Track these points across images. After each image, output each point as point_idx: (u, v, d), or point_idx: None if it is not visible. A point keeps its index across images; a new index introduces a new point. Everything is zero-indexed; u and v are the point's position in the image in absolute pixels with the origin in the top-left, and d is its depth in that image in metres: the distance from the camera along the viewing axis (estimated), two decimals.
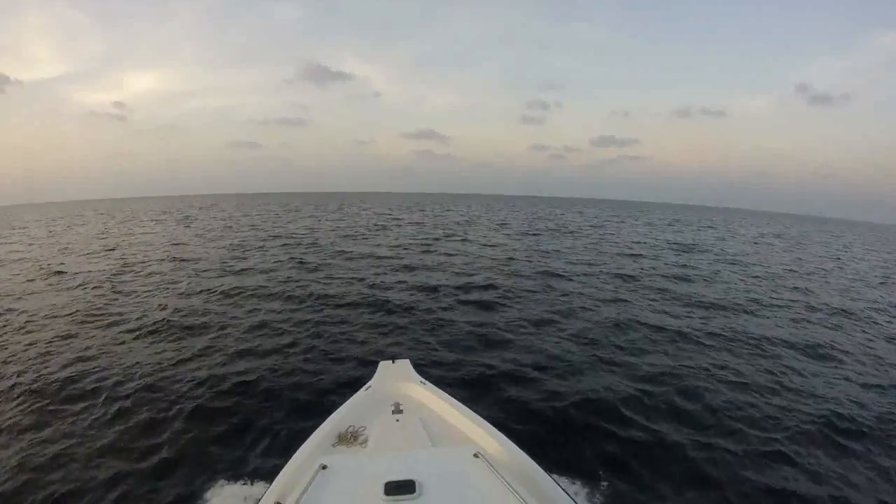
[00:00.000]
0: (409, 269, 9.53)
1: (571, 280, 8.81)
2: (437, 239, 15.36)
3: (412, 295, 7.24)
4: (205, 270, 9.25)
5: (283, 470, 1.90)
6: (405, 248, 12.63)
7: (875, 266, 14.72)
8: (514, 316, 6.24)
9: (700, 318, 6.58)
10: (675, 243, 16.78)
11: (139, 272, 9.20)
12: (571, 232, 19.75)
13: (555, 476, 1.75)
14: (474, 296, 7.24)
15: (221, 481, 2.75)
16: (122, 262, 10.42)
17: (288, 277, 8.35)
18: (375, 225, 20.75)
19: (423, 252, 12.07)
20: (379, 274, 8.89)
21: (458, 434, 2.18)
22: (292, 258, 10.51)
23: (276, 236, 15.61)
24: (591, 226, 24.85)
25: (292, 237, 15.29)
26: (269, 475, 1.93)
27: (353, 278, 8.37)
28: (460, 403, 2.38)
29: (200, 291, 7.40)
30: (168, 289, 7.66)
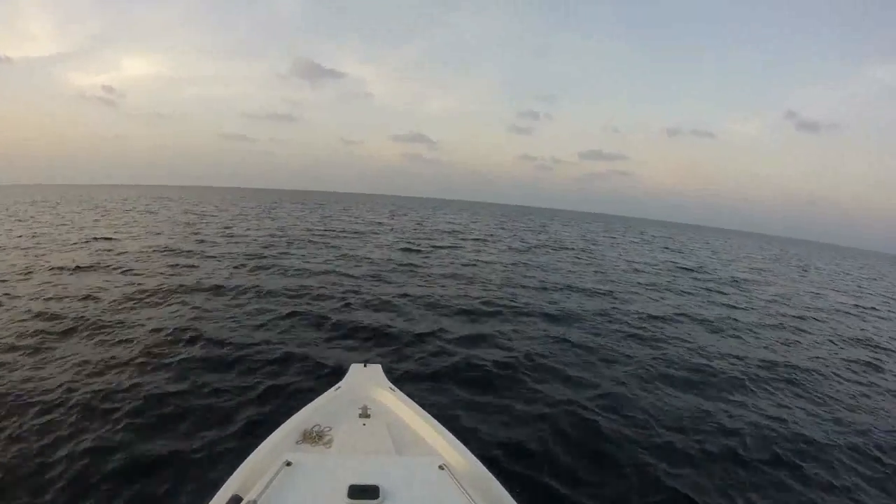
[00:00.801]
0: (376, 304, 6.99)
1: (585, 321, 6.96)
2: (418, 251, 13.61)
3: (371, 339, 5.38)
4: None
5: (245, 462, 1.90)
6: (375, 265, 10.47)
7: None
8: (531, 392, 4.30)
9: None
10: (686, 268, 15.75)
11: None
12: (568, 248, 18.87)
13: (516, 496, 1.80)
14: (460, 353, 5.02)
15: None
16: None
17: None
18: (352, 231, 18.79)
19: (400, 271, 10.05)
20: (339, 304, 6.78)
21: (423, 444, 2.21)
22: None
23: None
24: (586, 241, 24.18)
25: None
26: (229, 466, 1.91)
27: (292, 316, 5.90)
28: (427, 413, 2.41)
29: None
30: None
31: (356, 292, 7.67)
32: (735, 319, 8.39)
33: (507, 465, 3.04)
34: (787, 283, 15.69)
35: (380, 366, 2.90)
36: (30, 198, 38.50)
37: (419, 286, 8.64)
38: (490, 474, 1.91)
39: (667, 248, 26.12)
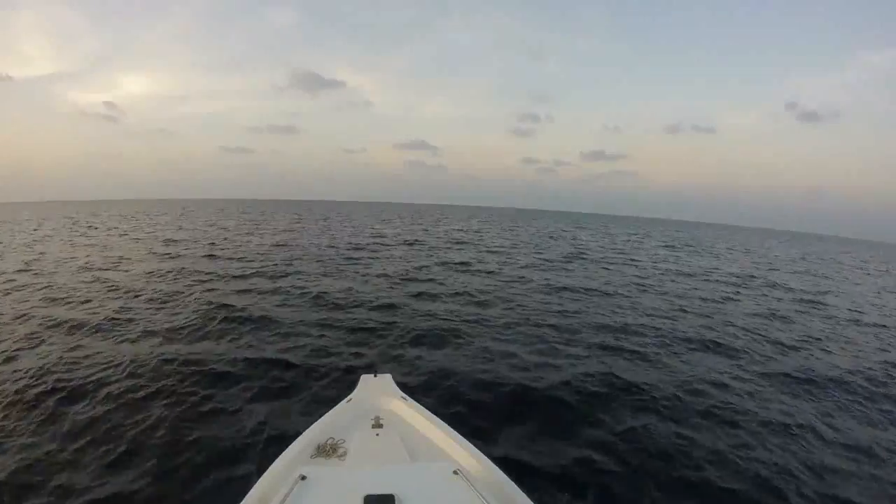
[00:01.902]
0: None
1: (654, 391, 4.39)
2: (424, 268, 11.36)
3: None
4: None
5: (261, 479, 1.90)
6: (377, 292, 8.14)
7: None
8: None
9: None
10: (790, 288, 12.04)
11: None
12: (596, 261, 15.14)
13: (533, 497, 1.79)
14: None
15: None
16: None
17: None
18: (349, 245, 16.08)
19: (408, 295, 8.06)
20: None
21: (437, 450, 2.21)
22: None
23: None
24: (613, 249, 20.41)
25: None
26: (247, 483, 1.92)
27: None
28: (440, 420, 2.41)
29: None
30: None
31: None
32: None
33: None
34: None
35: (390, 375, 2.90)
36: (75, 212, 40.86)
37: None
38: (506, 477, 1.90)
39: (694, 250, 23.10)
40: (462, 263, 12.47)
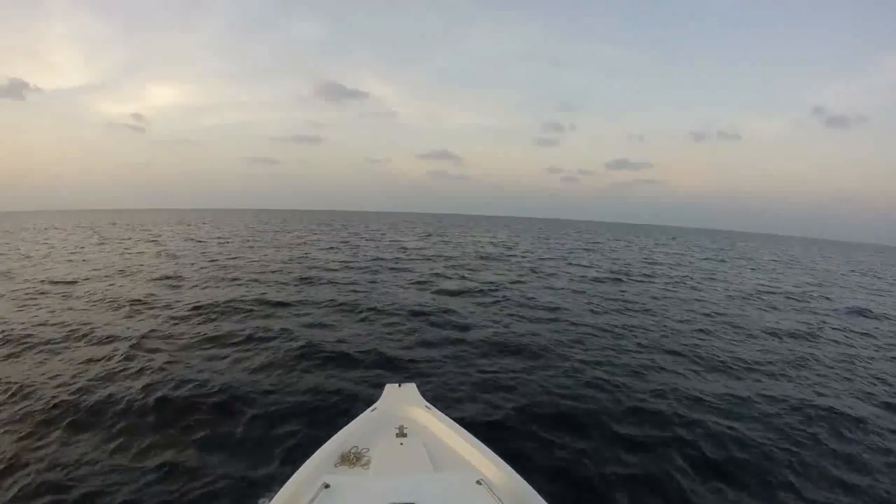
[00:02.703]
0: None
1: None
2: (458, 294, 8.95)
3: None
4: None
5: (285, 486, 1.92)
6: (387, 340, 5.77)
7: None
8: None
9: None
10: None
11: None
12: (679, 281, 12.72)
13: None
14: None
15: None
16: None
17: None
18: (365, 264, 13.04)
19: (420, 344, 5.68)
20: None
21: (460, 460, 2.18)
22: None
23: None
24: (664, 263, 17.79)
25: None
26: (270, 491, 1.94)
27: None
28: (464, 429, 2.39)
29: None
30: None
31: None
32: None
33: None
34: None
35: (414, 385, 2.89)
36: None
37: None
38: (529, 487, 1.86)
39: (753, 265, 20.37)
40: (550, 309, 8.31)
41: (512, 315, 7.44)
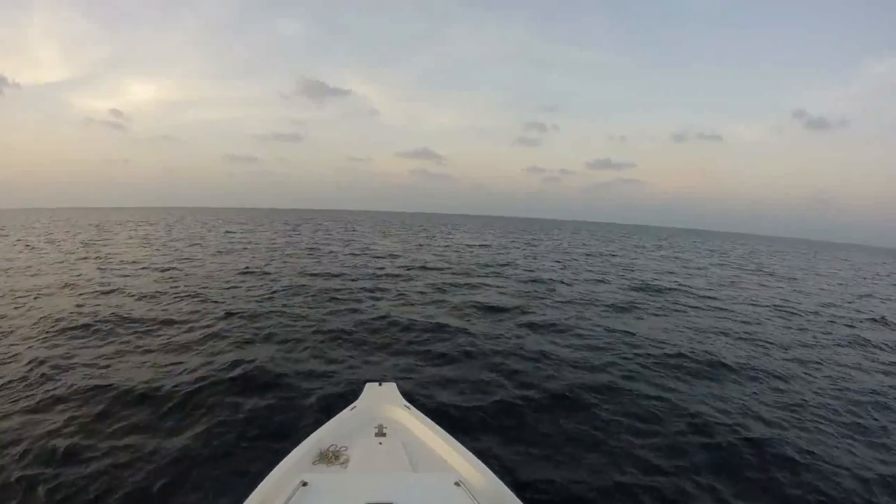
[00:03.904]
0: None
1: None
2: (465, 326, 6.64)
3: None
4: None
5: (262, 484, 1.90)
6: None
7: None
8: None
9: None
10: None
11: None
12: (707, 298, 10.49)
13: None
14: None
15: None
16: None
17: None
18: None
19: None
20: None
21: (439, 461, 2.19)
22: None
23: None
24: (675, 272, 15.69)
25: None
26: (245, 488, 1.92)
27: None
28: (443, 430, 2.40)
29: None
30: None
31: None
32: None
33: None
34: None
35: (394, 384, 2.89)
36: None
37: None
38: (507, 489, 1.88)
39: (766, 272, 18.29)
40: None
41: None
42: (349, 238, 24.98)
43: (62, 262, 12.44)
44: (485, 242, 25.58)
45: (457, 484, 1.69)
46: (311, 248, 17.99)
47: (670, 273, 15.52)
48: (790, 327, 8.17)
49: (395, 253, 17.27)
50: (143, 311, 6.77)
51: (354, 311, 7.28)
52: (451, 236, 30.87)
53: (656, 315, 8.36)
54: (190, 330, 5.95)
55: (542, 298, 9.30)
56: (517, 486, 1.95)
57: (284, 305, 7.51)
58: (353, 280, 10.37)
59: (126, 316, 6.44)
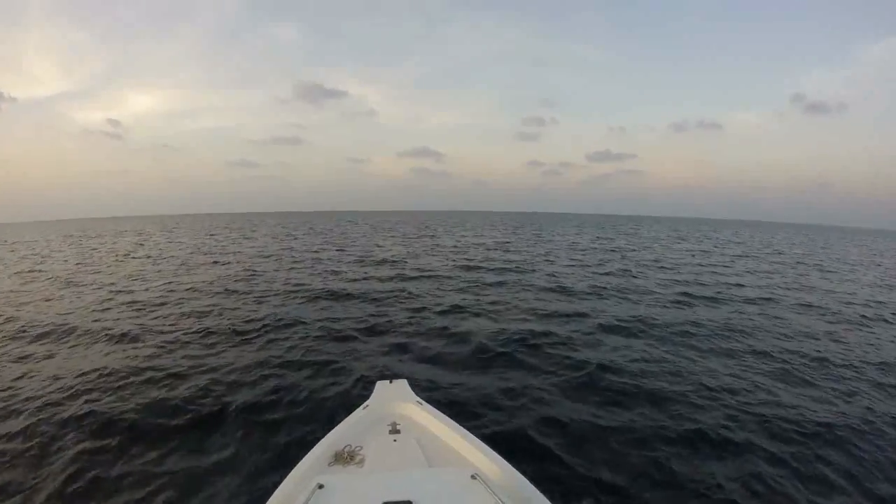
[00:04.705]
0: None
1: None
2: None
3: None
4: None
5: (279, 489, 1.90)
6: None
7: None
8: None
9: None
10: None
11: None
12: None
13: (553, 500, 1.75)
14: None
15: None
16: None
17: None
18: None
19: None
20: None
21: (454, 455, 2.18)
22: None
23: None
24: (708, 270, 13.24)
25: None
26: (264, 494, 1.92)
27: None
28: (457, 424, 2.39)
29: None
30: None
31: None
32: None
33: None
34: None
35: (406, 381, 2.89)
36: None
37: None
38: (525, 480, 1.86)
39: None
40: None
41: None
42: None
43: None
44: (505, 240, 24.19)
45: (473, 477, 1.68)
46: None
47: (739, 276, 12.63)
48: None
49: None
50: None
51: None
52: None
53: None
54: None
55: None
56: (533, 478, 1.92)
57: None
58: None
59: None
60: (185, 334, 6.14)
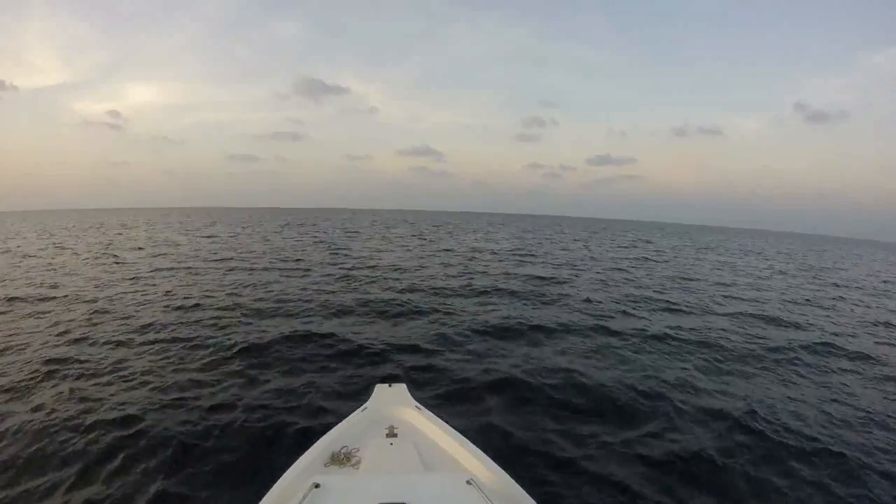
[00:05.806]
0: None
1: None
2: None
3: None
4: None
5: (275, 487, 1.91)
6: None
7: None
8: None
9: None
10: None
11: None
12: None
13: None
14: None
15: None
16: None
17: None
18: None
19: None
20: None
21: (451, 460, 2.18)
22: None
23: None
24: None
25: None
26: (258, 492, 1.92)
27: None
28: (454, 430, 2.39)
29: None
30: None
31: None
32: None
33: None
34: None
35: (404, 385, 2.89)
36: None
37: None
38: (519, 487, 1.86)
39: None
40: None
41: None
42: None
43: None
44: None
45: (469, 483, 1.68)
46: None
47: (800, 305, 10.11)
48: None
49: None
50: None
51: None
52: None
53: None
54: None
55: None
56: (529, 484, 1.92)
57: None
58: None
59: None
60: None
